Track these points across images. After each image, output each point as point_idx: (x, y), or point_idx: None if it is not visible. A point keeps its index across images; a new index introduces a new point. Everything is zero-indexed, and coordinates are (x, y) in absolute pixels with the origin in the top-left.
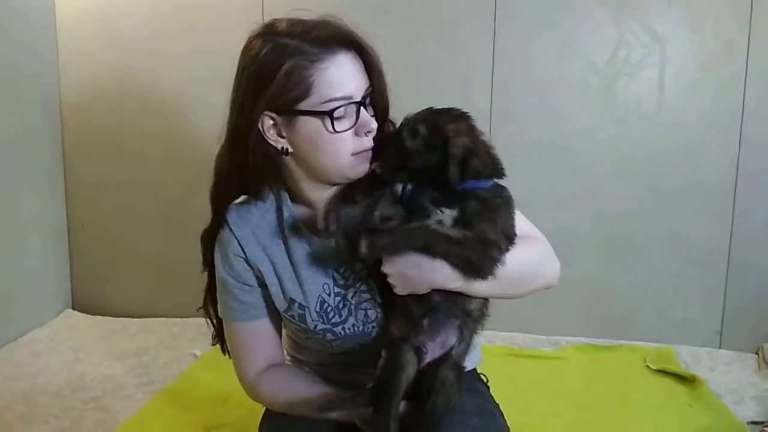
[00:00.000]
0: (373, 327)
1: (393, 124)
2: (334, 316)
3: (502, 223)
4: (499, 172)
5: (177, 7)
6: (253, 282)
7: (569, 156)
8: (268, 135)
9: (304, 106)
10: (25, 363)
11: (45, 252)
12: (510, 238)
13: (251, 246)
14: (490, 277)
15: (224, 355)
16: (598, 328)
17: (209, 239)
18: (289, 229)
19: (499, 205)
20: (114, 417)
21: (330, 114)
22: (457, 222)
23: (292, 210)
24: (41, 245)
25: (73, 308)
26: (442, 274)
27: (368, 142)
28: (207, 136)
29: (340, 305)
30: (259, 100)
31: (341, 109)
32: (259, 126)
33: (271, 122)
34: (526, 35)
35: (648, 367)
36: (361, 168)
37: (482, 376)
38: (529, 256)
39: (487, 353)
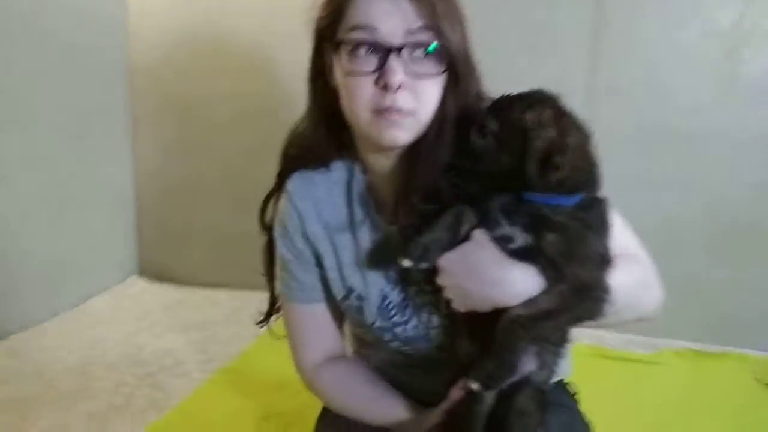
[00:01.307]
0: (436, 333)
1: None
2: (395, 315)
3: (594, 253)
4: (593, 182)
5: None
6: (313, 261)
7: (680, 137)
8: (333, 77)
9: (336, 36)
10: (83, 332)
11: (112, 217)
12: (608, 262)
13: (312, 221)
14: (600, 318)
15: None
16: (702, 332)
17: (265, 201)
18: (358, 207)
19: (586, 233)
20: (167, 396)
21: (339, 44)
22: (530, 252)
23: (362, 185)
24: (109, 210)
25: (140, 275)
26: (508, 293)
27: (389, 100)
28: (276, 98)
29: (403, 303)
30: (313, 34)
31: (362, 45)
32: (325, 63)
33: (330, 58)
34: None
35: (758, 380)
36: (386, 135)
37: (570, 387)
38: (626, 283)
39: (576, 352)
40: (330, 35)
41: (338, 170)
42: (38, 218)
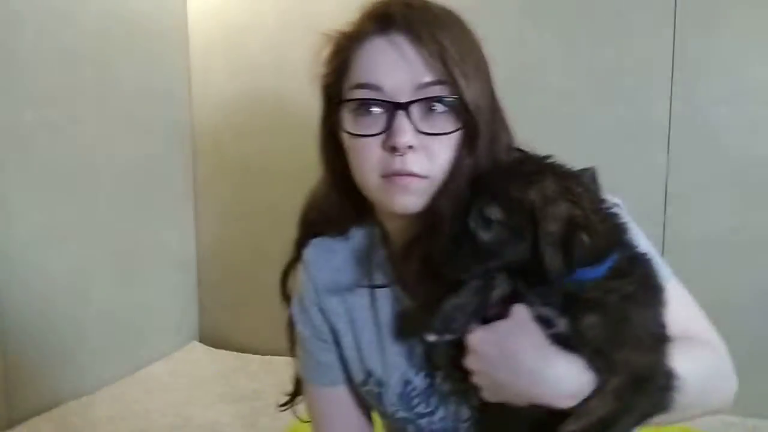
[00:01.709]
0: (466, 427)
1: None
2: (419, 404)
3: (646, 331)
4: (620, 237)
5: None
6: (331, 339)
7: None
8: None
9: (339, 93)
10: (136, 400)
11: (174, 282)
12: (664, 340)
13: (329, 295)
14: (670, 410)
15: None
16: None
17: (285, 271)
18: (377, 279)
19: (628, 306)
20: None
21: (341, 103)
22: (572, 339)
23: (382, 254)
24: (170, 275)
25: (200, 341)
26: (551, 390)
27: (399, 163)
28: None
29: (428, 391)
30: (321, 87)
31: (367, 104)
32: (336, 121)
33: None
34: (712, 29)
35: None
36: (397, 201)
37: None
38: (698, 374)
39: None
40: (335, 93)
41: (358, 238)
42: (100, 282)
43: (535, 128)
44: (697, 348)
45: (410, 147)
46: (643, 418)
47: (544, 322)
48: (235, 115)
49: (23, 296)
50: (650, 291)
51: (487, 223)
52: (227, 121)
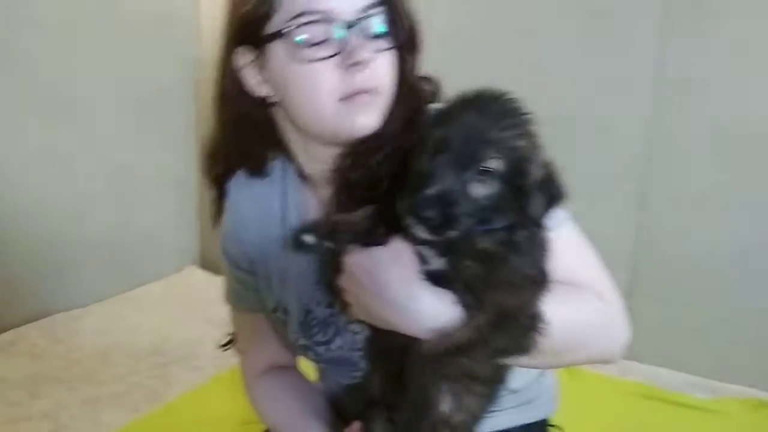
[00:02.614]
0: (359, 357)
1: (427, 81)
2: (318, 333)
3: (520, 278)
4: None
5: None
6: (249, 268)
7: (759, 142)
8: (248, 79)
9: (270, 28)
10: (124, 317)
11: (173, 206)
12: (540, 286)
13: (246, 227)
14: (531, 351)
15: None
16: None
17: (215, 211)
18: (292, 215)
19: (510, 256)
20: (167, 391)
21: (290, 35)
22: (447, 277)
23: (297, 192)
24: (171, 199)
25: (200, 266)
26: (412, 322)
27: (362, 80)
28: None
29: (328, 321)
30: (230, 26)
31: (315, 29)
32: (237, 67)
33: (248, 59)
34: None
35: None
36: (358, 122)
37: (556, 431)
38: (575, 318)
39: (617, 389)
40: (261, 29)
41: (275, 174)
42: (99, 203)
43: (518, 74)
44: (579, 295)
45: (370, 59)
46: (501, 353)
47: (420, 258)
48: None
49: (21, 212)
50: (536, 245)
51: (485, 177)
52: None
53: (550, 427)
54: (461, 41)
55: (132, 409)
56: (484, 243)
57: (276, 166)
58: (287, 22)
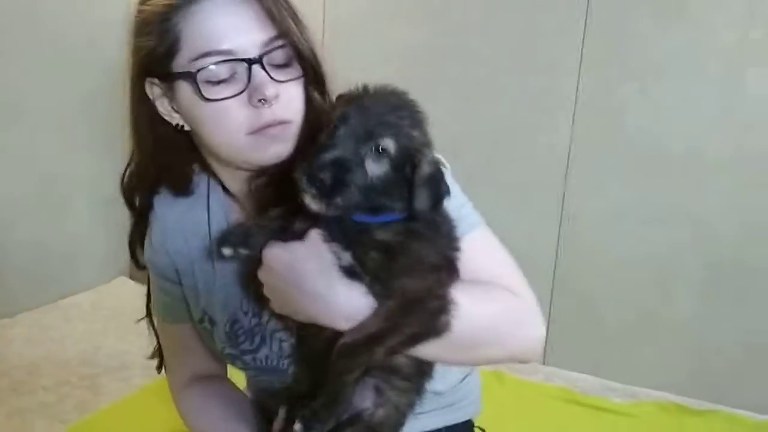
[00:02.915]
0: (289, 364)
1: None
2: (244, 342)
3: (423, 262)
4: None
5: None
6: (176, 279)
7: (675, 160)
8: (160, 108)
9: (175, 66)
10: (53, 327)
11: (103, 217)
12: (442, 269)
13: (173, 237)
14: (444, 334)
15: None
16: (690, 385)
17: (133, 237)
18: (215, 225)
19: (411, 243)
20: (97, 401)
21: (194, 75)
22: (357, 271)
23: (221, 205)
24: (99, 208)
25: (130, 277)
26: (329, 311)
27: (269, 114)
28: None
29: (254, 330)
30: (136, 59)
31: (220, 68)
32: (149, 96)
33: (159, 90)
34: (623, 6)
35: None
36: (270, 152)
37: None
38: (488, 311)
39: (540, 393)
40: (165, 68)
41: (200, 188)
42: (27, 212)
43: (449, 91)
44: (490, 290)
45: (276, 96)
46: (415, 339)
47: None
48: None
49: None
50: (437, 234)
51: (380, 155)
52: None
53: (474, 429)
54: (397, 59)
55: (61, 420)
56: (383, 234)
57: (200, 180)
58: (191, 61)
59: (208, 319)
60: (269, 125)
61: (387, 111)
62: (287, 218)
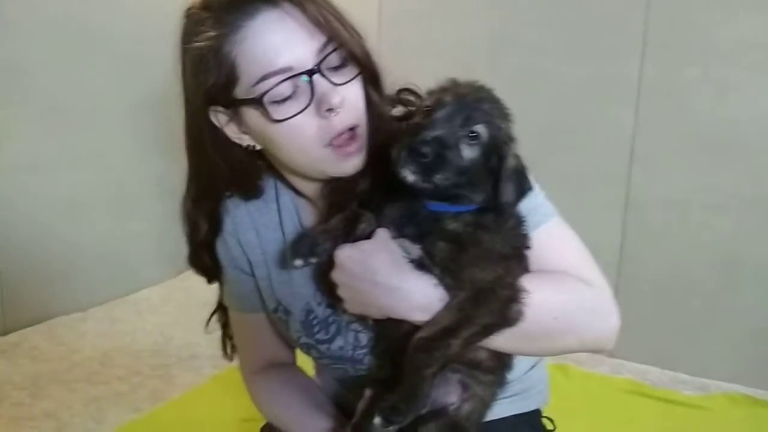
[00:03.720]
0: (365, 354)
1: (409, 92)
2: (319, 332)
3: (491, 252)
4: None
5: None
6: (248, 269)
7: (740, 145)
8: (229, 133)
9: (238, 93)
10: (124, 320)
11: (171, 214)
12: (512, 259)
13: (246, 229)
14: (517, 323)
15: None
16: (763, 377)
17: (203, 242)
18: (287, 220)
19: (480, 234)
20: (170, 390)
21: (260, 100)
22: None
23: (292, 201)
24: (166, 205)
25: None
26: (403, 303)
27: (338, 122)
28: None
29: (329, 320)
30: (197, 93)
31: (282, 87)
32: (216, 124)
33: (225, 117)
34: None
35: None
36: (351, 163)
37: (548, 421)
38: (560, 300)
39: (607, 386)
40: (226, 96)
41: (267, 191)
42: (98, 210)
43: (507, 83)
44: (563, 280)
45: (341, 102)
46: (489, 329)
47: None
48: None
49: (22, 219)
50: (505, 225)
51: (473, 140)
52: None
53: (542, 418)
54: (455, 53)
55: (134, 408)
56: (454, 225)
57: (268, 181)
58: (253, 86)
59: (283, 309)
60: (340, 133)
61: (479, 101)
62: (350, 224)
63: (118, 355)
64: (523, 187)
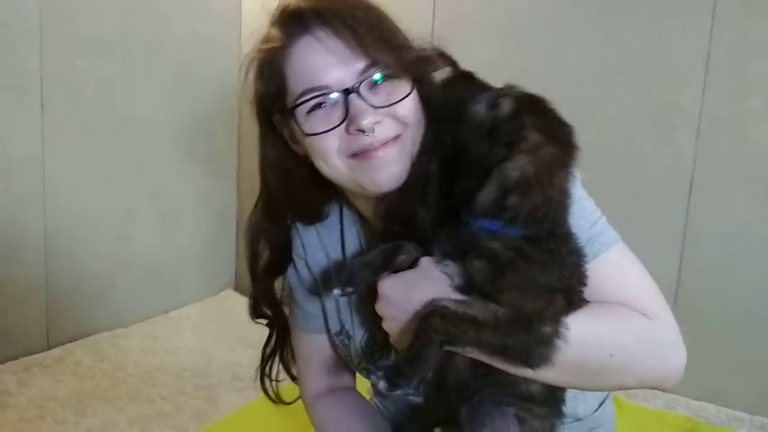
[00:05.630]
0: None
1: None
2: (380, 358)
3: (533, 285)
4: (557, 220)
5: None
6: (315, 290)
7: None
8: (289, 140)
9: (288, 103)
10: (166, 338)
11: (213, 231)
12: (557, 297)
13: (315, 250)
14: (543, 366)
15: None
16: None
17: (273, 270)
18: (350, 244)
19: (519, 262)
20: (214, 411)
21: (292, 112)
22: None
23: (355, 223)
24: (210, 224)
25: (235, 289)
26: None
27: (367, 140)
28: None
29: (390, 345)
30: (257, 102)
31: (315, 103)
32: (278, 128)
33: (284, 126)
34: (750, 18)
35: None
36: (379, 176)
37: None
38: (616, 337)
39: (661, 422)
40: (280, 105)
41: (332, 215)
42: (142, 226)
43: (564, 109)
44: (619, 313)
45: (377, 123)
46: (506, 353)
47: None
48: None
49: (68, 233)
50: (552, 260)
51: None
52: None
53: None
54: (507, 77)
55: (180, 430)
56: (494, 244)
57: (333, 208)
58: (295, 99)
59: (345, 333)
60: (365, 150)
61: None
62: (389, 254)
63: (160, 373)
64: (506, 198)
